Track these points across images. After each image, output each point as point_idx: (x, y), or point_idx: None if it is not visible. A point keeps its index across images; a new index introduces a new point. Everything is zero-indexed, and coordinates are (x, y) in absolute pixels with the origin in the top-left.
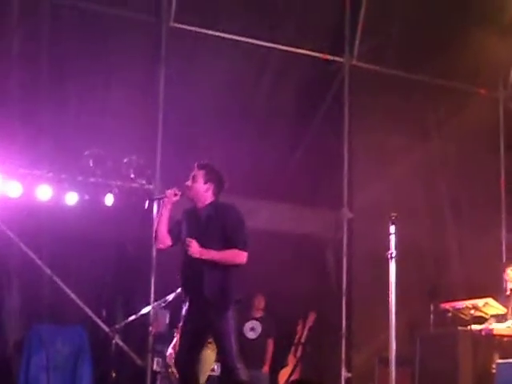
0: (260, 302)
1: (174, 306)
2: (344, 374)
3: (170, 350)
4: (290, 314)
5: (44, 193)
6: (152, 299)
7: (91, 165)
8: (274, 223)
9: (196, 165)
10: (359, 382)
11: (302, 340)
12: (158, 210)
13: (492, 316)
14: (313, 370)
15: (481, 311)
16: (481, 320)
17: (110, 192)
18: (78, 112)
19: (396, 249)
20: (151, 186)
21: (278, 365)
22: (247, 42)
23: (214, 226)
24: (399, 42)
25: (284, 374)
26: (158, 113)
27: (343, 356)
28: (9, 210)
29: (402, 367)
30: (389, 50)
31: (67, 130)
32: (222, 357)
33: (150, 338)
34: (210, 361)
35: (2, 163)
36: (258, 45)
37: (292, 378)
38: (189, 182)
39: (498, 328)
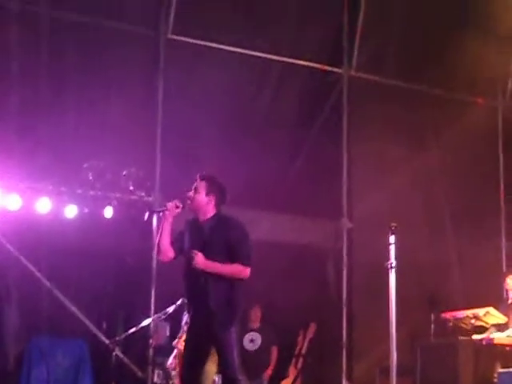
0: (256, 313)
1: (174, 318)
2: None
3: (171, 360)
4: (291, 324)
5: (43, 206)
6: (152, 311)
7: (90, 178)
8: (273, 234)
9: (198, 176)
10: None
11: (303, 351)
12: (158, 223)
13: (493, 325)
14: (314, 381)
15: (481, 320)
16: (481, 329)
17: (110, 204)
18: (76, 125)
19: (396, 259)
20: (150, 198)
21: (278, 376)
22: (246, 54)
23: (218, 239)
24: (397, 53)
25: None
26: (157, 125)
27: (344, 366)
28: (8, 223)
29: (402, 377)
30: (387, 60)
31: (66, 142)
32: (223, 369)
33: (151, 351)
34: (211, 373)
35: (2, 177)
36: (256, 56)
37: None
38: (191, 193)
39: (499, 337)
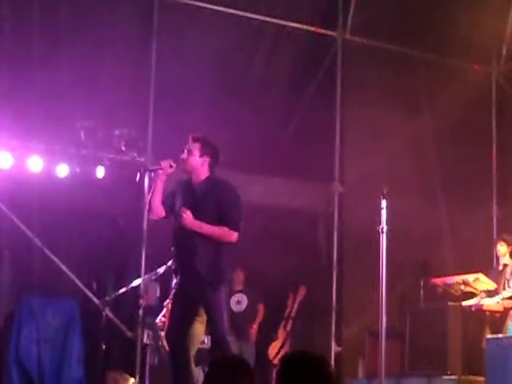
0: (239, 277)
1: (164, 279)
2: (334, 347)
3: (158, 319)
4: (281, 287)
5: (35, 164)
6: (143, 272)
7: (82, 137)
8: (264, 197)
9: (191, 137)
10: (349, 355)
11: (293, 314)
12: (149, 183)
13: (482, 291)
14: (302, 344)
15: (471, 287)
16: (471, 295)
17: (101, 164)
18: (69, 84)
19: (387, 224)
20: (142, 159)
21: (267, 338)
22: (240, 15)
23: (210, 201)
24: (392, 16)
25: (274, 348)
26: (150, 85)
27: (333, 330)
28: None
29: (391, 341)
30: (382, 24)
31: (58, 101)
32: (212, 329)
33: (141, 311)
34: (199, 333)
35: None
36: (250, 18)
37: (282, 351)
38: (184, 155)
39: (488, 303)
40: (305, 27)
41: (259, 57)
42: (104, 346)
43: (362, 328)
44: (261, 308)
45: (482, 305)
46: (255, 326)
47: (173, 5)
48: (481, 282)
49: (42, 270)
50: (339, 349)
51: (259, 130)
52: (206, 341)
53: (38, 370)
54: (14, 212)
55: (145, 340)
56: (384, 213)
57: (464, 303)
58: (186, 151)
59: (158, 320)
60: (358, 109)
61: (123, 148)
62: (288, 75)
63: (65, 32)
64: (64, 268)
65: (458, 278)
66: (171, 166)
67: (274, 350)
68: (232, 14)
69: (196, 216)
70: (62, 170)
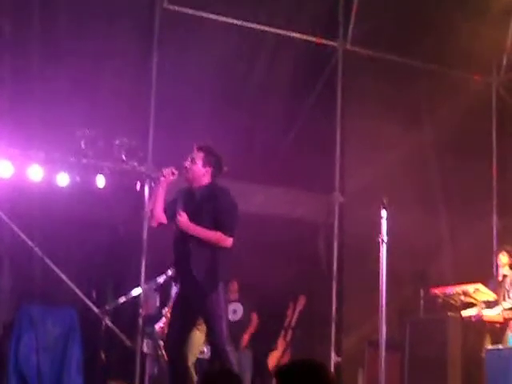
0: (234, 286)
1: (164, 288)
2: (333, 357)
3: (157, 327)
4: (280, 297)
5: (35, 173)
6: (142, 281)
7: (83, 146)
8: (265, 207)
9: (195, 146)
10: (349, 366)
11: (292, 324)
12: (150, 192)
13: (482, 302)
14: (302, 353)
15: (471, 297)
16: (471, 306)
17: (102, 174)
18: (69, 93)
19: (387, 234)
20: (143, 168)
21: (267, 348)
22: (241, 25)
23: (207, 206)
24: (393, 27)
25: (273, 357)
26: (151, 94)
27: (333, 340)
28: (0, 190)
29: (391, 351)
30: (383, 35)
31: (59, 110)
32: (211, 339)
33: (140, 320)
34: (199, 342)
35: None
36: (251, 28)
37: (282, 361)
38: (187, 164)
39: (488, 314)
40: (305, 37)
41: (260, 67)
42: (103, 355)
43: (361, 338)
44: (254, 317)
45: (482, 315)
46: (246, 336)
47: (174, 15)
48: (481, 292)
49: (42, 278)
50: (339, 359)
51: (260, 139)
52: (205, 351)
53: (37, 379)
54: (14, 221)
55: (144, 349)
56: (384, 223)
57: (464, 314)
58: (189, 159)
59: (156, 327)
60: (359, 119)
61: (124, 157)
62: (289, 85)
63: (66, 42)
64: (64, 277)
65: (458, 289)
66: (173, 174)
67: (274, 360)
68: (232, 23)
69: (194, 220)
70: (63, 179)
